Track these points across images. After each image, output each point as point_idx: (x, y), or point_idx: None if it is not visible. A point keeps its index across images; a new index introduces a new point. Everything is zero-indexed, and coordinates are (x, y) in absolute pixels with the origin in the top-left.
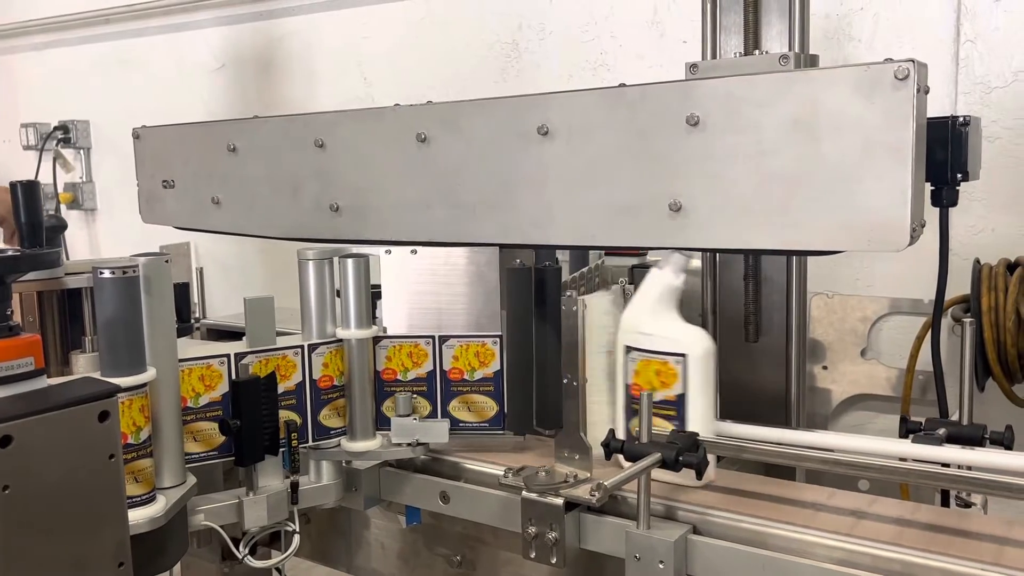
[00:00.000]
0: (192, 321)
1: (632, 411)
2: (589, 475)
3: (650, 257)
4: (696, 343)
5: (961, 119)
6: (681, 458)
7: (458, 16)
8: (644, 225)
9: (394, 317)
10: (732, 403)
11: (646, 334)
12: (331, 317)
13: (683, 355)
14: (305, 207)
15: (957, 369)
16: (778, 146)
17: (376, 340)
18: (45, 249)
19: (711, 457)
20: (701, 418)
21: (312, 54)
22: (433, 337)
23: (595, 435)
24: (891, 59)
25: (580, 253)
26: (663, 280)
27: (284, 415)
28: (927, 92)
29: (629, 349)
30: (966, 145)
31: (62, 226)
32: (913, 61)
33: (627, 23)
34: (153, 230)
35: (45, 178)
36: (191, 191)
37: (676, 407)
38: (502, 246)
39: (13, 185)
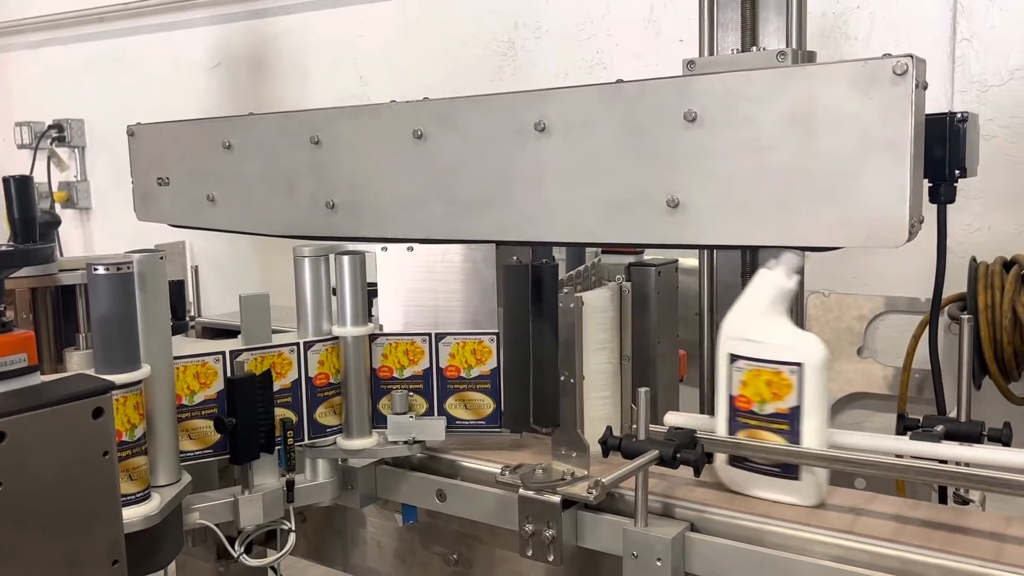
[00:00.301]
0: (187, 319)
1: (738, 425)
2: (586, 472)
3: (646, 255)
4: (813, 351)
5: (959, 115)
6: (679, 455)
7: (454, 15)
8: (641, 222)
9: (390, 315)
10: None
11: (756, 341)
12: (327, 314)
13: (799, 364)
14: (301, 204)
15: (954, 367)
16: (776, 142)
17: (372, 338)
18: (39, 244)
19: (822, 472)
20: (816, 432)
21: (307, 53)
22: (429, 335)
23: (592, 432)
24: (889, 54)
25: (577, 251)
26: (774, 282)
27: (280, 413)
28: (925, 88)
29: (735, 357)
30: (964, 141)
31: (56, 222)
32: (911, 56)
33: (623, 22)
34: (148, 229)
35: (39, 177)
36: (186, 188)
37: (789, 420)
38: (499, 243)
39: (6, 180)
